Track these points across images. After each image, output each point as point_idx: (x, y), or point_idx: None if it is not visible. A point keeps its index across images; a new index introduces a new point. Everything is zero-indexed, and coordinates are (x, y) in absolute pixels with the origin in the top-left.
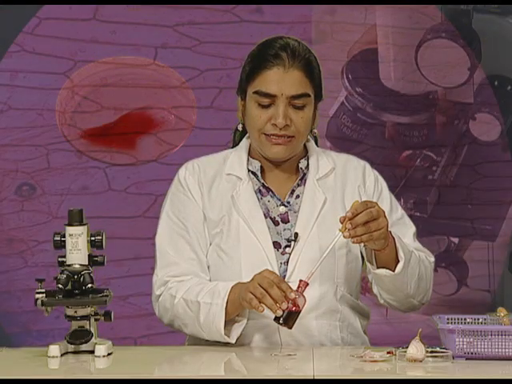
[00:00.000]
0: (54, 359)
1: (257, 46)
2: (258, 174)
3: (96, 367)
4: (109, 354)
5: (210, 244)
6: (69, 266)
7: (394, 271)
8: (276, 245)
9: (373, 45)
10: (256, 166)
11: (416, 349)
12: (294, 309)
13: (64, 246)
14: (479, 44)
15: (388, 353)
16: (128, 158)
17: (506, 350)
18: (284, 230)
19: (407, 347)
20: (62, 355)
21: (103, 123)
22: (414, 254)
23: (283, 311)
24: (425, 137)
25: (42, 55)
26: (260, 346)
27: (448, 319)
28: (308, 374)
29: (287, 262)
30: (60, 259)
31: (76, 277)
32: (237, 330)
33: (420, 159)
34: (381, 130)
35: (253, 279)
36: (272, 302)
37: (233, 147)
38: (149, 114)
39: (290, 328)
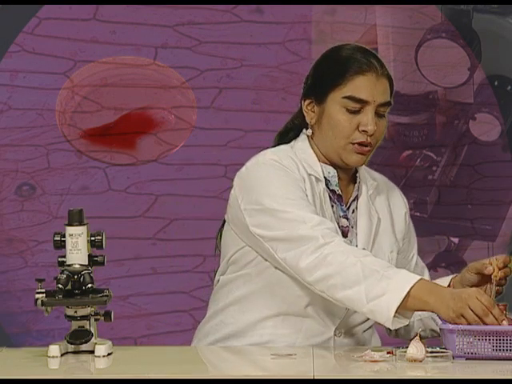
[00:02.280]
0: (54, 359)
1: (337, 51)
2: (335, 180)
3: (96, 367)
4: (109, 354)
5: None
6: (69, 266)
7: None
8: None
9: (373, 45)
10: (331, 172)
11: (416, 349)
12: None
13: (64, 246)
14: (479, 44)
15: (388, 353)
16: (128, 157)
17: (506, 350)
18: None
19: (407, 347)
20: (62, 355)
21: (103, 123)
22: None
23: None
24: (425, 137)
25: (42, 55)
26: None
27: None
28: (308, 374)
29: None
30: (60, 259)
31: (76, 277)
32: (400, 321)
33: (420, 159)
34: None
35: (461, 299)
36: None
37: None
38: (149, 114)
39: None
